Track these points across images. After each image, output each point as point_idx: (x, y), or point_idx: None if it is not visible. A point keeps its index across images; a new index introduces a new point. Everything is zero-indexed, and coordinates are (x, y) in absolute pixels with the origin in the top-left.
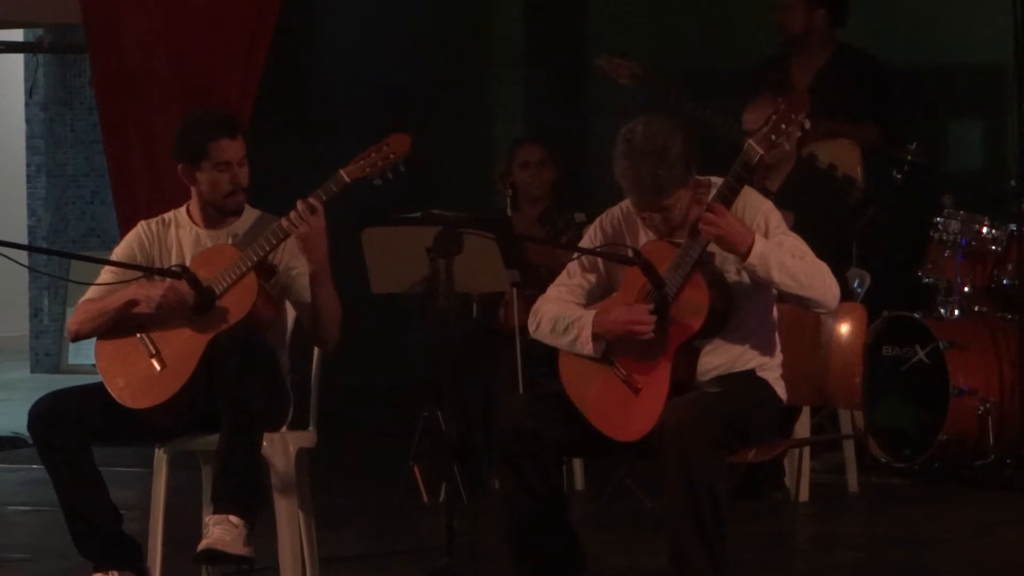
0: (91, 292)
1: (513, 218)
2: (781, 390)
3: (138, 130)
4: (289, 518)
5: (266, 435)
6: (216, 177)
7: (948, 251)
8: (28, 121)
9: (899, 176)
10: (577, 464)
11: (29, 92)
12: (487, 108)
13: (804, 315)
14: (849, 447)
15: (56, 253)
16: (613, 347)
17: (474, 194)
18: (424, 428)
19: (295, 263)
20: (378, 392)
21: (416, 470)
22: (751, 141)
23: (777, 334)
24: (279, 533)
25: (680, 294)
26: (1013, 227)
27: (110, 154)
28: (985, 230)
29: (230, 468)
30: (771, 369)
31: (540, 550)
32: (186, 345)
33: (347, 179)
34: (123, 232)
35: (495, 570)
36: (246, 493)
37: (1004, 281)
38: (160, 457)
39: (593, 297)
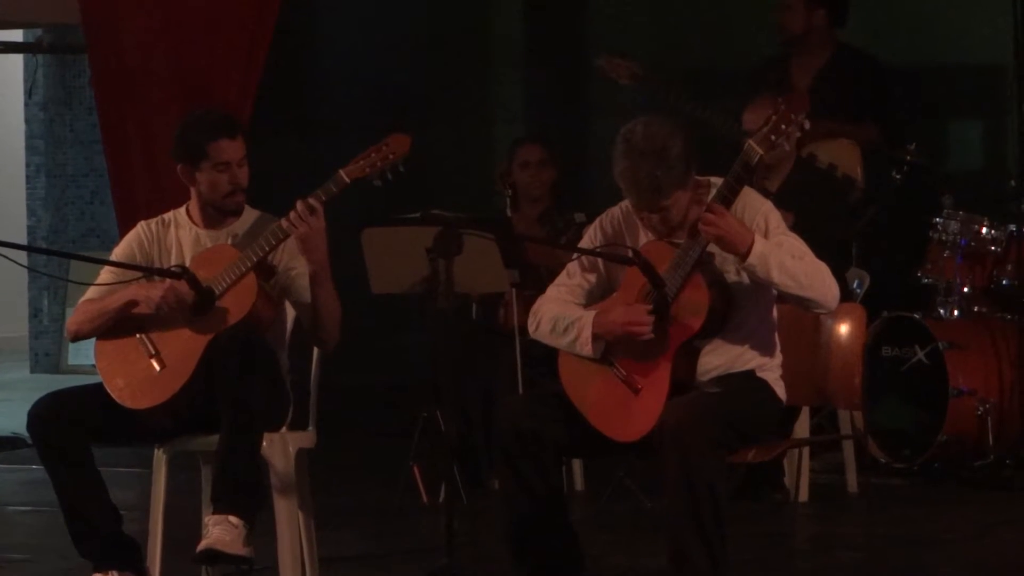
0: (91, 292)
1: (513, 218)
2: (781, 390)
3: (138, 130)
4: (289, 518)
5: (266, 435)
6: (215, 177)
7: (948, 251)
8: (27, 121)
9: (899, 176)
10: (577, 464)
11: (28, 92)
12: (487, 108)
13: (804, 315)
14: (849, 447)
15: (56, 253)
16: (613, 347)
17: (474, 194)
18: (424, 428)
19: (295, 263)
20: (378, 392)
21: (416, 470)
22: (751, 141)
23: (777, 334)
24: (279, 533)
25: (680, 294)
26: (1013, 227)
27: (109, 154)
28: (985, 230)
29: (230, 468)
30: (771, 369)
31: (540, 550)
32: (186, 345)
33: (347, 179)
34: (123, 232)
35: (495, 570)
36: (246, 493)
37: (1003, 281)
38: (160, 457)
39: (593, 297)
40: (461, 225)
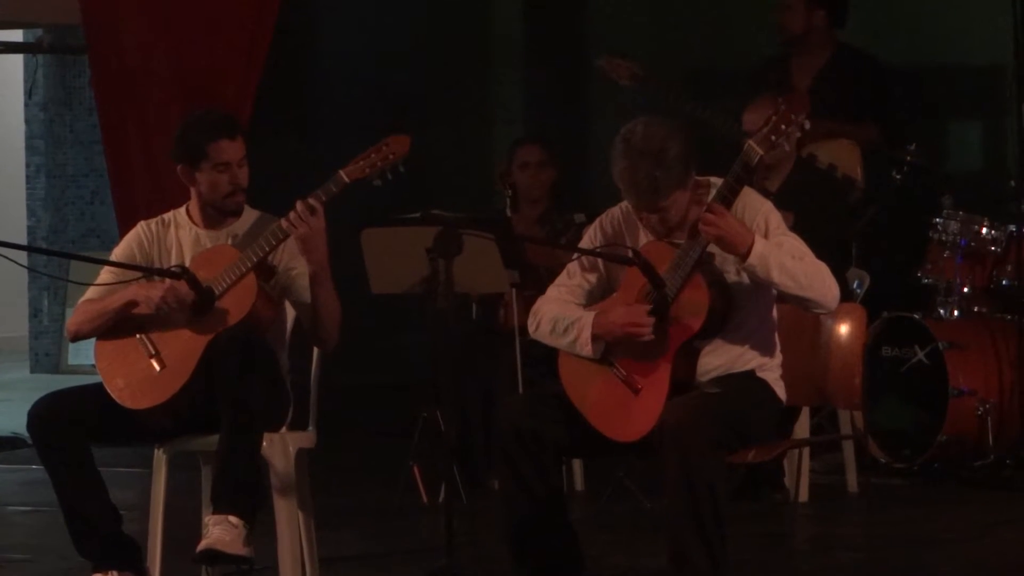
0: (91, 292)
1: (513, 219)
2: (781, 390)
3: (138, 130)
4: (289, 518)
5: (266, 435)
6: (215, 178)
7: (948, 251)
8: (27, 121)
9: (899, 176)
10: (577, 464)
11: (28, 92)
12: (487, 108)
13: (804, 315)
14: (849, 447)
15: (56, 253)
16: (613, 348)
17: (474, 194)
18: (424, 428)
19: (295, 263)
20: (378, 392)
21: (416, 470)
22: (751, 142)
23: (777, 334)
24: (279, 533)
25: (680, 294)
26: (1012, 228)
27: (110, 154)
28: (984, 231)
29: (230, 468)
30: (771, 369)
31: (540, 550)
32: (186, 345)
33: (347, 179)
34: (122, 232)
35: (495, 570)
36: (246, 493)
37: (1003, 282)
38: (159, 457)
39: (593, 297)
40: (461, 225)
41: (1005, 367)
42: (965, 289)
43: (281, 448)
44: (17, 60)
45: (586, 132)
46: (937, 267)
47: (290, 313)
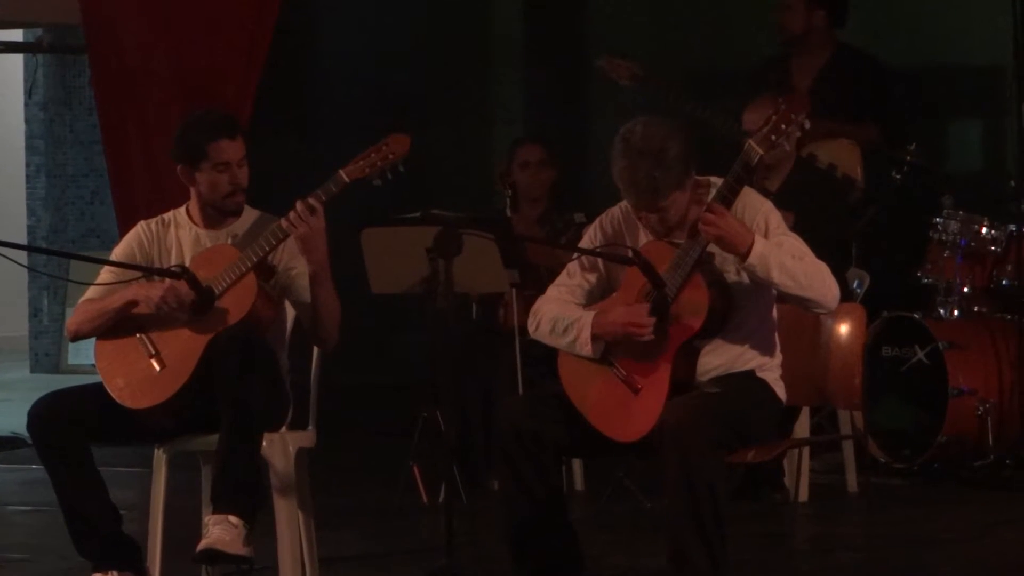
0: (91, 292)
1: (513, 218)
2: (781, 390)
3: (138, 130)
4: (289, 518)
5: (266, 435)
6: (215, 178)
7: (948, 251)
8: (27, 121)
9: (899, 176)
10: (577, 464)
11: (28, 92)
12: (487, 108)
13: (804, 315)
14: (848, 447)
15: (56, 253)
16: (612, 348)
17: (474, 194)
18: (424, 428)
19: (295, 263)
20: (378, 392)
21: (415, 470)
22: (751, 141)
23: (777, 334)
24: (279, 533)
25: (680, 294)
26: (1012, 227)
27: (110, 154)
28: (984, 230)
29: (229, 468)
30: (771, 369)
31: (540, 551)
32: (185, 345)
33: (347, 179)
34: (122, 232)
35: (495, 570)
36: (245, 493)
37: (1003, 282)
38: (159, 457)
39: (593, 297)
40: (461, 225)
41: (1005, 367)
42: (965, 289)
43: (281, 448)
44: (17, 60)
45: (586, 132)
46: (937, 267)
47: (290, 313)
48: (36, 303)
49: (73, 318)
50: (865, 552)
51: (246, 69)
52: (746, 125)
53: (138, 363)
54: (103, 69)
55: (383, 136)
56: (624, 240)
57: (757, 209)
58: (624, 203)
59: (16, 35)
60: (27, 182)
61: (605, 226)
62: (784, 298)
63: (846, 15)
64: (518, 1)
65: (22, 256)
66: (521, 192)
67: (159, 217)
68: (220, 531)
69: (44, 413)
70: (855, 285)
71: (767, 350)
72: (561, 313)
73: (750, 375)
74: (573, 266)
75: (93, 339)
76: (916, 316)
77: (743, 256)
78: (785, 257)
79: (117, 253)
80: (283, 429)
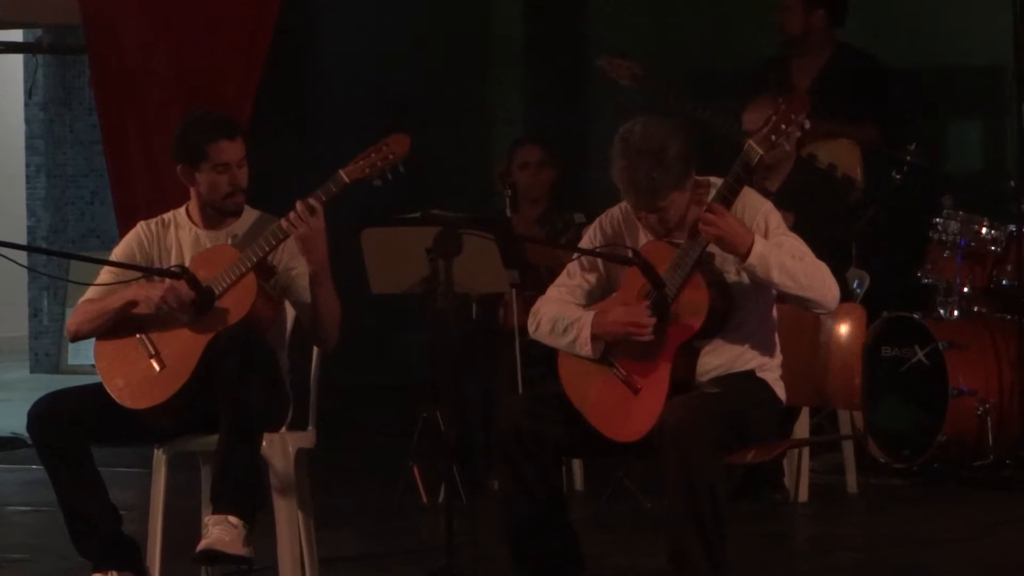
0: (90, 292)
1: (513, 219)
2: (781, 391)
3: (138, 130)
4: (288, 518)
5: (265, 435)
6: (215, 178)
7: (947, 251)
8: (27, 121)
9: (899, 176)
10: (577, 464)
11: (28, 92)
12: (487, 108)
13: (804, 315)
14: (848, 448)
15: (56, 253)
16: (612, 348)
17: (474, 194)
18: (423, 428)
19: (295, 263)
20: (378, 392)
21: (415, 470)
22: (751, 141)
23: (777, 334)
24: (278, 533)
25: (680, 294)
26: (1012, 227)
27: (109, 154)
28: (984, 231)
29: (229, 468)
30: (771, 369)
31: (540, 551)
32: (185, 345)
33: (347, 179)
34: (122, 232)
35: (495, 570)
36: (245, 493)
37: (1003, 282)
38: (159, 457)
39: (593, 297)
40: (461, 225)
41: (1005, 367)
42: (965, 289)
43: (281, 448)
44: (17, 60)
45: (586, 132)
46: (937, 267)
47: (290, 313)
48: (36, 303)
49: (73, 318)
50: (865, 552)
51: (246, 69)
52: (746, 125)
53: (138, 363)
54: (103, 69)
55: (383, 136)
56: (624, 240)
57: (757, 209)
58: (624, 203)
59: (16, 35)
60: (27, 182)
61: (605, 226)
62: (784, 298)
63: (845, 15)
64: (518, 1)
65: (22, 256)
66: (521, 192)
67: (159, 217)
68: (220, 531)
69: (44, 413)
70: (855, 285)
71: (767, 350)
72: (561, 313)
73: (750, 375)
74: (573, 266)
75: (93, 339)
76: (916, 316)
77: (743, 256)
78: (785, 257)
79: (117, 253)
80: (283, 429)
